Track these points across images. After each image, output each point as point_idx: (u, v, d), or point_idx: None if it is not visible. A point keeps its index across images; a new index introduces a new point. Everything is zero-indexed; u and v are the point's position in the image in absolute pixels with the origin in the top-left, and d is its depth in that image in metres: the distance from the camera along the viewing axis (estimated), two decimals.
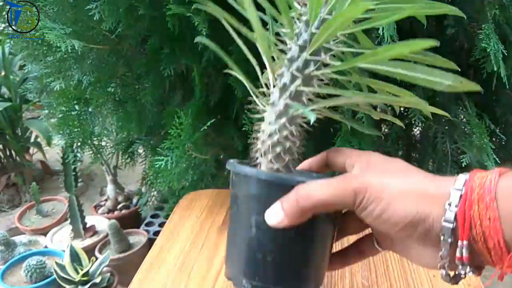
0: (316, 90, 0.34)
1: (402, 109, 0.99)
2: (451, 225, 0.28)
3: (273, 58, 0.35)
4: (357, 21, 0.32)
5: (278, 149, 0.35)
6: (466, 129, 0.80)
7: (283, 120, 0.35)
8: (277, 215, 0.31)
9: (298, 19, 0.34)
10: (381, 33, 0.59)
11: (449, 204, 0.28)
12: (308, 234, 0.34)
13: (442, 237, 0.29)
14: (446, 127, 0.84)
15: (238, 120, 0.89)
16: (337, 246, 0.38)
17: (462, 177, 0.29)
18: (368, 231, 0.37)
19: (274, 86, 0.36)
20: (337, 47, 0.34)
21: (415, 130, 0.98)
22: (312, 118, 0.28)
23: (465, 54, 0.83)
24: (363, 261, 0.39)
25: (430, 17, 0.89)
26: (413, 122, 0.80)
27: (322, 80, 0.35)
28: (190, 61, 0.81)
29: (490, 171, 0.29)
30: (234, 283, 0.35)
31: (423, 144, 0.92)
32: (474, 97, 0.81)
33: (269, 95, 0.36)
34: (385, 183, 0.30)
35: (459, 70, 0.32)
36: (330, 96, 0.35)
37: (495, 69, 0.63)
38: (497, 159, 0.75)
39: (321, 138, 0.82)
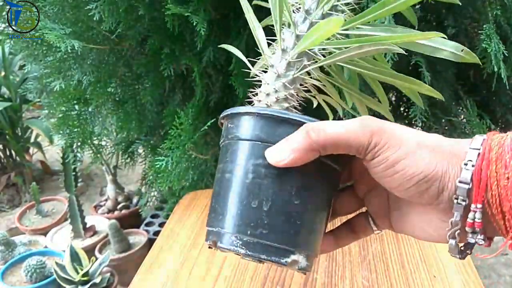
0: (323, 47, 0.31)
1: (402, 109, 0.99)
2: (467, 186, 0.26)
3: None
4: None
5: (276, 106, 0.33)
6: (466, 129, 0.80)
7: (283, 80, 0.33)
8: (282, 150, 0.28)
9: None
10: None
11: (466, 164, 0.26)
12: (308, 193, 0.30)
13: (455, 200, 0.27)
14: (446, 127, 0.84)
15: None
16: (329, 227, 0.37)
17: (480, 137, 0.27)
18: (362, 210, 0.35)
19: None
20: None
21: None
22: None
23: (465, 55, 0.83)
24: (363, 261, 0.39)
25: (431, 17, 0.89)
26: (413, 122, 0.80)
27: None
28: (190, 61, 0.81)
29: (510, 131, 0.27)
30: (220, 246, 0.31)
31: None
32: (474, 97, 0.81)
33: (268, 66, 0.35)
34: (405, 132, 0.28)
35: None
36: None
37: (496, 69, 0.63)
38: None
39: None
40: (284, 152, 0.28)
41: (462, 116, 0.86)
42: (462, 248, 0.29)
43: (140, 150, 1.15)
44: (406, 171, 0.27)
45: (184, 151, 0.81)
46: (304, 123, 0.28)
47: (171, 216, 0.78)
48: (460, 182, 0.26)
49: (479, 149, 0.26)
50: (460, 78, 0.84)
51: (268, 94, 0.34)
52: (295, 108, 0.35)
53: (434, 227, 0.29)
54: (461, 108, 0.85)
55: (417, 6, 0.80)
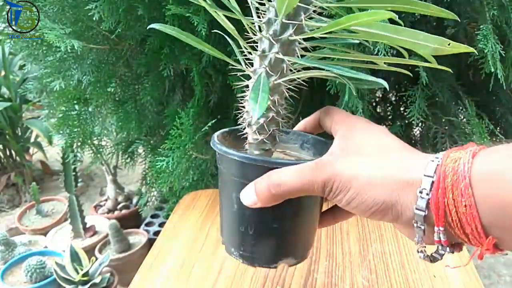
0: (295, 60, 0.33)
1: (402, 109, 0.99)
2: (423, 213, 0.27)
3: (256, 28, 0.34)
4: None
5: (261, 120, 0.35)
6: (466, 129, 0.80)
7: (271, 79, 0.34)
8: (251, 197, 0.32)
9: None
10: None
11: (421, 192, 0.27)
12: (286, 216, 0.35)
13: (415, 224, 0.28)
14: (446, 127, 0.84)
15: (238, 120, 0.89)
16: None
17: (434, 162, 0.28)
18: None
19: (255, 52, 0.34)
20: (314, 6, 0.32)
21: (415, 130, 0.98)
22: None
23: (465, 54, 0.83)
24: (363, 261, 0.39)
25: (430, 16, 0.89)
26: (412, 122, 0.80)
27: (303, 47, 0.34)
28: (190, 61, 0.81)
29: (464, 150, 0.28)
30: (226, 250, 0.38)
31: (423, 144, 0.92)
32: (474, 97, 0.81)
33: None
34: (353, 174, 0.30)
35: (458, 20, 0.31)
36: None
37: (492, 70, 0.63)
38: None
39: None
40: (253, 198, 0.32)
41: (462, 116, 0.86)
42: (433, 255, 0.30)
43: (140, 150, 1.15)
44: (359, 207, 0.30)
45: (185, 151, 0.81)
46: (267, 167, 0.32)
47: (171, 216, 0.78)
48: (417, 209, 0.28)
49: (433, 177, 0.27)
50: (460, 78, 0.84)
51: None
52: (283, 114, 0.37)
53: (411, 235, 0.31)
54: (460, 108, 0.85)
55: None
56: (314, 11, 0.33)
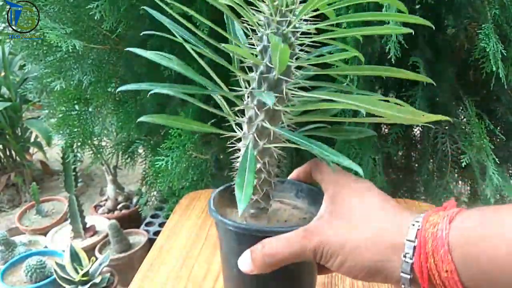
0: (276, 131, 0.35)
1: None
2: (408, 276, 0.29)
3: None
4: None
5: (255, 181, 0.37)
6: (466, 129, 0.80)
7: (255, 153, 0.36)
8: (247, 265, 0.34)
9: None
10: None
11: (404, 256, 0.29)
12: (283, 274, 0.36)
13: (403, 286, 0.30)
14: (446, 127, 0.84)
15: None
16: None
17: (415, 226, 0.30)
18: None
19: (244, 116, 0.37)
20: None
21: (415, 130, 0.98)
22: None
23: (466, 54, 0.83)
24: None
25: (431, 16, 0.89)
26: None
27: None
28: (191, 61, 0.81)
29: (441, 213, 0.30)
30: None
31: (423, 144, 0.92)
32: (474, 97, 0.81)
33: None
34: (341, 241, 0.32)
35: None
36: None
37: (494, 69, 0.63)
38: (496, 159, 0.75)
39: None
40: (249, 266, 0.34)
41: (462, 116, 0.86)
42: None
43: (140, 150, 1.15)
44: (349, 271, 0.32)
45: (184, 151, 0.81)
46: (261, 236, 0.35)
47: (171, 216, 0.78)
48: (402, 272, 0.29)
49: (414, 242, 0.29)
50: (460, 78, 0.84)
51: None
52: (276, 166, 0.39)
53: None
54: (461, 108, 0.85)
55: (417, 6, 0.80)
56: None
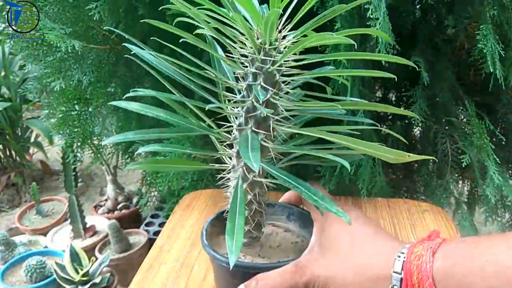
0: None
1: (402, 109, 0.99)
2: None
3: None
4: None
5: (246, 213, 0.37)
6: (466, 129, 0.80)
7: (245, 186, 0.37)
8: None
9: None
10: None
11: (392, 287, 0.31)
12: None
13: None
14: (446, 127, 0.84)
15: None
16: None
17: (400, 258, 0.31)
18: None
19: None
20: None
21: (415, 130, 0.98)
22: None
23: (466, 54, 0.82)
24: None
25: (431, 16, 0.89)
26: (413, 122, 0.80)
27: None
28: (190, 62, 0.81)
29: (425, 244, 0.31)
30: None
31: (423, 145, 0.92)
32: (474, 97, 0.81)
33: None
34: (330, 275, 0.33)
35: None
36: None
37: (492, 70, 0.63)
38: (497, 159, 0.75)
39: None
40: None
41: (462, 116, 0.86)
42: None
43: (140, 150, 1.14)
44: None
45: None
46: (253, 272, 0.36)
47: (171, 216, 0.78)
48: None
49: (401, 274, 0.30)
50: (460, 78, 0.84)
51: None
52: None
53: None
54: (461, 108, 0.85)
55: (417, 7, 0.80)
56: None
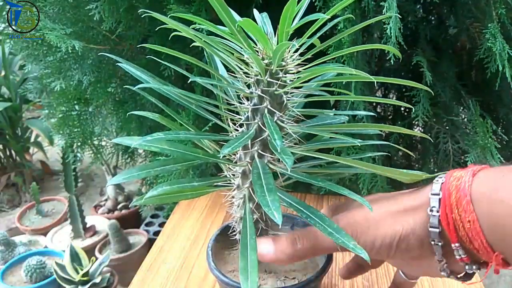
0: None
1: (402, 109, 0.98)
2: (437, 230, 0.29)
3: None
4: None
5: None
6: (467, 129, 0.80)
7: (251, 205, 0.36)
8: (270, 250, 0.33)
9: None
10: (388, 33, 0.59)
11: (431, 210, 0.29)
12: None
13: (433, 242, 0.29)
14: (447, 127, 0.84)
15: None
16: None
17: (439, 181, 0.30)
18: None
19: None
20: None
21: (416, 130, 0.98)
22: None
23: (467, 54, 0.82)
24: None
25: (432, 17, 0.88)
26: (414, 122, 0.80)
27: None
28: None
29: (466, 169, 0.29)
30: None
31: (424, 144, 0.92)
32: (476, 97, 0.81)
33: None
34: (366, 216, 0.32)
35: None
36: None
37: (500, 68, 0.63)
38: (501, 158, 0.75)
39: None
40: (272, 252, 0.33)
41: (463, 116, 0.86)
42: (463, 275, 0.32)
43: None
44: (382, 245, 0.31)
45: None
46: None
47: (171, 216, 0.78)
48: (431, 227, 0.29)
49: (439, 195, 0.29)
50: (462, 78, 0.84)
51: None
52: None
53: (435, 269, 0.32)
54: (462, 108, 0.85)
55: (418, 6, 0.80)
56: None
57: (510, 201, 0.25)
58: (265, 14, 0.36)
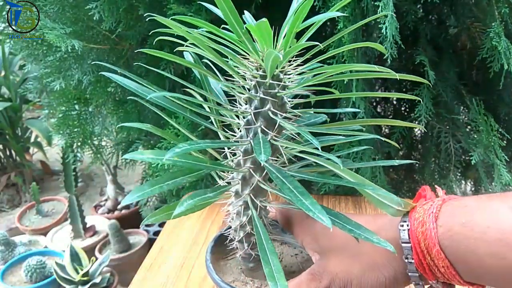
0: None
1: (403, 108, 0.98)
2: (416, 274, 0.31)
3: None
4: None
5: (252, 239, 0.37)
6: (468, 128, 0.80)
7: (249, 213, 0.36)
8: None
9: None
10: (384, 33, 0.59)
11: (406, 258, 0.31)
12: None
13: (414, 283, 0.32)
14: (448, 127, 0.84)
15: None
16: None
17: (404, 226, 0.31)
18: None
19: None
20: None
21: (416, 130, 0.98)
22: None
23: (468, 54, 0.82)
24: None
25: (432, 17, 0.88)
26: (415, 122, 0.80)
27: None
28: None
29: (426, 208, 0.31)
30: None
31: (426, 144, 0.92)
32: (476, 97, 0.81)
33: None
34: (348, 270, 0.33)
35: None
36: None
37: (506, 67, 0.63)
38: (506, 157, 0.75)
39: None
40: None
41: (464, 115, 0.86)
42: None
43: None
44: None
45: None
46: None
47: None
48: (409, 273, 0.31)
49: (409, 243, 0.30)
50: (463, 78, 0.84)
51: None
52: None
53: None
54: (463, 107, 0.85)
55: (418, 6, 0.80)
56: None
57: (483, 237, 0.27)
58: (249, 14, 0.36)
